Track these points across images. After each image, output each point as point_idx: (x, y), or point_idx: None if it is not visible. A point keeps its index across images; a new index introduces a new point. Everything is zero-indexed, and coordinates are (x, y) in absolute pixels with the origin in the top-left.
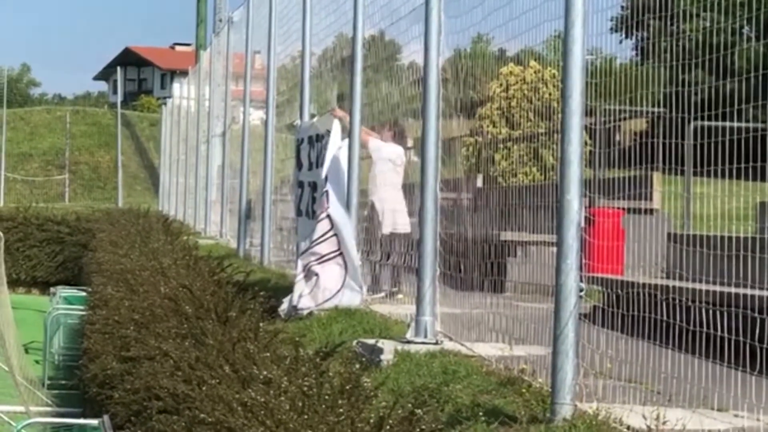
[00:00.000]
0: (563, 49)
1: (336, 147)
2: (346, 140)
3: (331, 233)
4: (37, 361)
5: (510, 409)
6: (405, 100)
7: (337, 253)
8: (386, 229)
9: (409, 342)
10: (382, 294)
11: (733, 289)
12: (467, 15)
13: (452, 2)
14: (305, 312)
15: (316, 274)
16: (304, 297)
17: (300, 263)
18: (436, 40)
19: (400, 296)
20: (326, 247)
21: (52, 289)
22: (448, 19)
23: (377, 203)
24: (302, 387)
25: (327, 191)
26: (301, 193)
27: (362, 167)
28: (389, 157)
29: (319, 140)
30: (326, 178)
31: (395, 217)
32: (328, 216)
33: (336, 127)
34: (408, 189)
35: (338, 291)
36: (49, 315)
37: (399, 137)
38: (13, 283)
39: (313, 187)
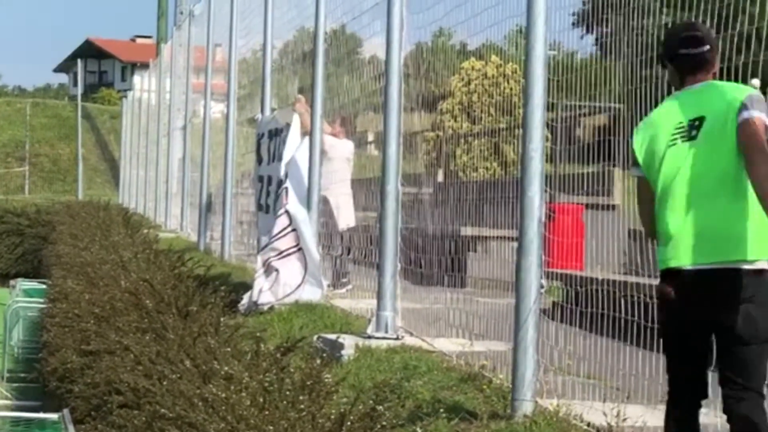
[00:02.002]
0: (526, 47)
1: (295, 144)
2: (306, 138)
3: (289, 229)
4: None
5: (471, 405)
6: (366, 94)
7: (297, 248)
8: (343, 224)
9: (370, 337)
10: (344, 290)
11: None
12: (429, 11)
13: None
14: (266, 307)
15: (276, 270)
16: (264, 292)
17: (260, 259)
18: (398, 35)
19: (349, 287)
20: (285, 242)
21: (11, 282)
22: (411, 15)
23: (332, 199)
24: (263, 382)
25: (286, 188)
26: (261, 188)
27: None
28: (345, 155)
29: (278, 134)
30: (286, 174)
31: (348, 213)
32: (287, 212)
33: (295, 121)
34: (367, 183)
35: (298, 286)
36: (8, 308)
37: (349, 132)
38: None
39: (269, 181)
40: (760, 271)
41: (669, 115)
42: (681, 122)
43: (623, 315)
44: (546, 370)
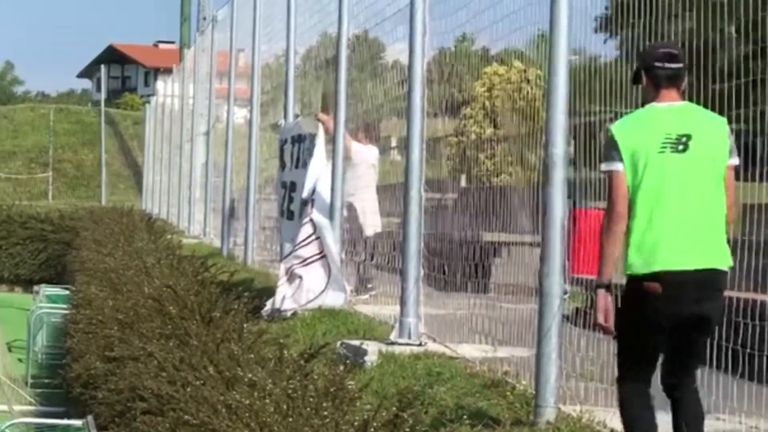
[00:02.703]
0: (549, 53)
1: (322, 156)
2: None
3: (314, 237)
4: (20, 360)
5: (494, 411)
6: (389, 99)
7: (320, 255)
8: (369, 230)
9: (393, 343)
10: (368, 295)
11: None
12: (452, 17)
13: (437, 4)
14: (289, 313)
15: (300, 277)
16: (287, 299)
17: (283, 266)
18: (420, 41)
19: (373, 292)
20: (309, 250)
21: (35, 288)
22: (433, 21)
23: (358, 205)
24: (287, 389)
25: (313, 199)
26: (285, 194)
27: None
28: (369, 161)
29: (301, 140)
30: (313, 190)
31: (375, 219)
32: (311, 220)
33: (320, 133)
34: (390, 189)
35: (322, 291)
36: (32, 313)
37: (373, 138)
38: None
39: (292, 187)
40: (726, 274)
41: (655, 124)
42: (669, 134)
43: None
44: (569, 377)
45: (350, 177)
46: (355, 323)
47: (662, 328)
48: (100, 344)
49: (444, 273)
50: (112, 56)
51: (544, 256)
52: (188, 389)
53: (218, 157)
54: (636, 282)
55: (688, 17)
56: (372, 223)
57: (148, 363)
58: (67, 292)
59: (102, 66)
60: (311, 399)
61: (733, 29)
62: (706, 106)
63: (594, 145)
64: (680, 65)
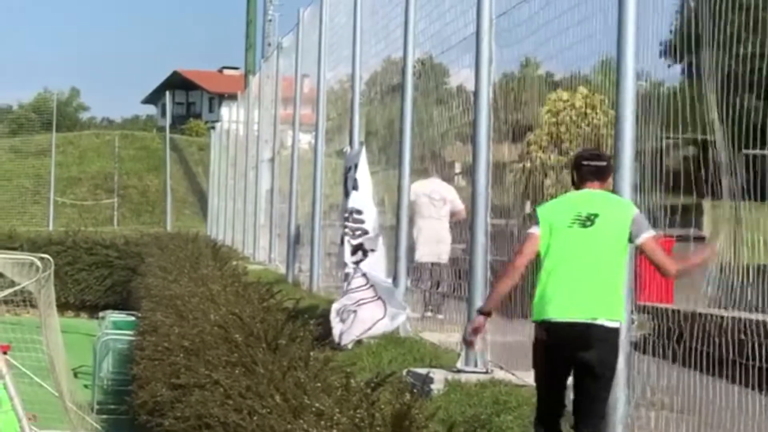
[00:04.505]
0: (617, 82)
1: (368, 187)
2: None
3: (367, 286)
4: (86, 386)
5: None
6: (454, 125)
7: (375, 298)
8: (421, 258)
9: (459, 371)
10: (441, 315)
11: None
12: (518, 44)
13: (503, 32)
14: (350, 346)
15: (354, 311)
16: (344, 334)
17: (334, 307)
18: (486, 69)
19: (440, 316)
20: (362, 294)
21: (101, 314)
22: (499, 49)
23: (415, 232)
24: (354, 418)
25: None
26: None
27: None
28: (423, 192)
29: (356, 170)
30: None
31: (432, 247)
32: (364, 275)
33: (363, 159)
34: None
35: (379, 320)
36: (98, 340)
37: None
38: (62, 307)
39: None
40: (610, 328)
41: (571, 205)
42: (580, 213)
43: (716, 350)
44: (637, 405)
45: (412, 207)
46: (421, 351)
47: (552, 371)
48: (166, 371)
49: (510, 299)
50: (177, 82)
51: None
52: (255, 418)
53: (283, 183)
54: (535, 328)
55: (752, 42)
56: (424, 251)
57: (214, 391)
58: (133, 319)
59: (167, 92)
60: (378, 428)
61: None
62: None
63: (660, 171)
64: (604, 163)
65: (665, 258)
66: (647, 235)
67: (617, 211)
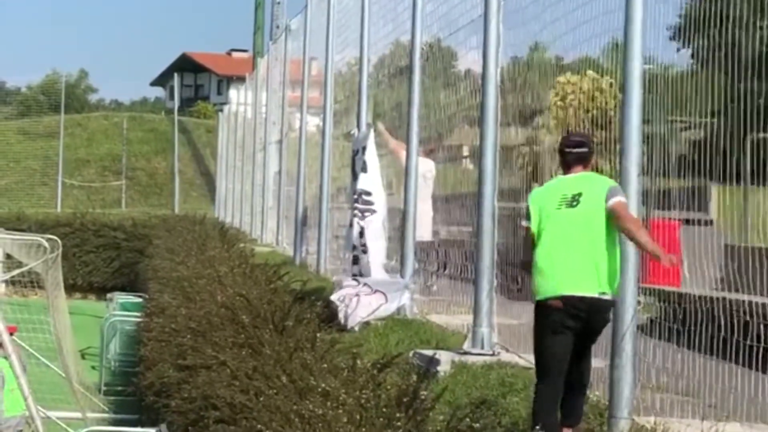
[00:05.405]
0: (623, 64)
1: (377, 168)
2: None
3: (361, 284)
4: (93, 367)
5: None
6: (461, 108)
7: (372, 291)
8: (416, 236)
9: (466, 353)
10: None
11: None
12: (525, 26)
13: (510, 14)
14: (357, 327)
15: (357, 295)
16: (350, 317)
17: (335, 295)
18: (494, 51)
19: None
20: (359, 290)
21: (108, 296)
22: (507, 30)
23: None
24: (360, 399)
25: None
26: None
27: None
28: (421, 172)
29: (364, 152)
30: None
31: (421, 230)
32: (357, 281)
33: (371, 142)
34: (462, 198)
35: (383, 304)
36: (105, 321)
37: (428, 153)
38: (70, 288)
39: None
40: (601, 299)
41: (556, 190)
42: (566, 194)
43: (721, 331)
44: (643, 387)
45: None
46: (427, 333)
47: (561, 340)
48: (173, 353)
49: (517, 282)
50: (186, 64)
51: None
52: (261, 398)
53: (291, 166)
54: (536, 306)
55: (761, 26)
56: (419, 233)
57: (220, 372)
58: (140, 300)
59: (175, 74)
60: (384, 409)
61: None
62: None
63: (667, 154)
64: (586, 150)
65: (632, 217)
66: (616, 200)
67: (597, 186)
